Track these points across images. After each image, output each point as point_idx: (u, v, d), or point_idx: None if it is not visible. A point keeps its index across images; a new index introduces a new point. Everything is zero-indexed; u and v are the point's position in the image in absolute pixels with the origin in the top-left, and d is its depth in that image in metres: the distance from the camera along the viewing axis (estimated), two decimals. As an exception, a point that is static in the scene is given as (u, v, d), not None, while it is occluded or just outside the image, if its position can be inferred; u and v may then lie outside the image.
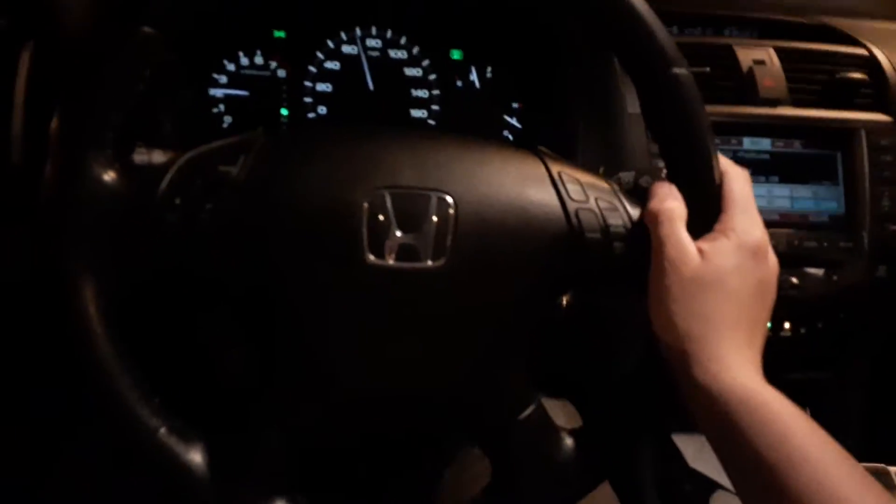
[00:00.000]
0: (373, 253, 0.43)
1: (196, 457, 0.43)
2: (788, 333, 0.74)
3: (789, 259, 0.71)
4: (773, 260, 0.45)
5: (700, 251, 0.43)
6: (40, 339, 0.53)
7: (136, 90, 0.42)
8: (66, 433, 0.71)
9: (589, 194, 0.46)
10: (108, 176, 0.42)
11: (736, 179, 0.45)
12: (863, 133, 0.75)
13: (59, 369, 0.43)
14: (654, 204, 0.44)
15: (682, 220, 0.43)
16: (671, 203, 0.44)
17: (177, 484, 0.43)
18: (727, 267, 0.42)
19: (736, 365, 0.40)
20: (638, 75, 0.44)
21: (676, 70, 0.43)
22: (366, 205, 0.43)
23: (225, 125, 0.78)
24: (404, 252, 0.43)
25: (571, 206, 0.45)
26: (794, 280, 0.72)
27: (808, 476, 0.35)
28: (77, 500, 0.70)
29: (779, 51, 0.76)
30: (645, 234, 0.44)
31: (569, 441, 0.49)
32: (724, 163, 0.46)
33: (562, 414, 0.75)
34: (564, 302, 0.54)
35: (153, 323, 0.60)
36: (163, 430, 0.42)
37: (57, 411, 0.69)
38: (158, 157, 0.45)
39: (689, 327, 0.41)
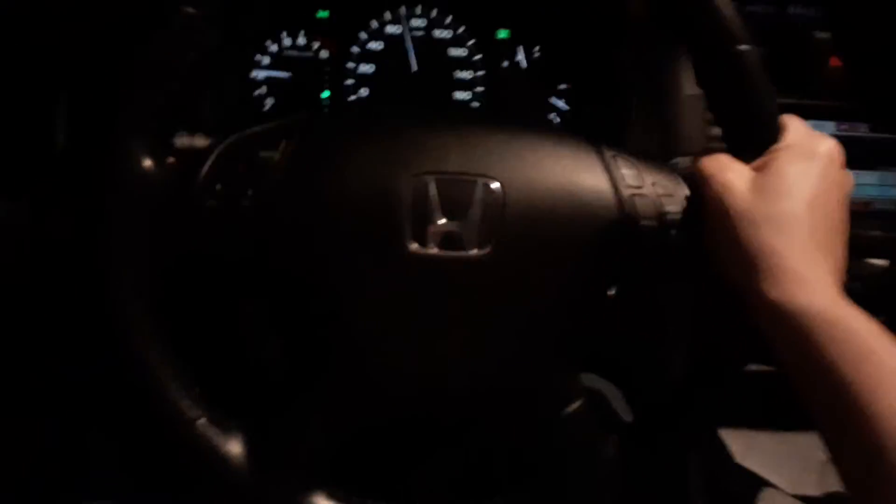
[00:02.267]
0: (415, 241, 0.42)
1: (235, 448, 0.43)
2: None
3: (851, 249, 0.68)
4: (845, 171, 0.43)
5: (756, 168, 0.41)
6: (76, 322, 0.54)
7: (179, 73, 0.41)
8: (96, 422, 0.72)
9: (645, 179, 0.44)
10: (150, 162, 0.41)
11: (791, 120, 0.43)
12: (935, 117, 0.71)
13: (95, 355, 0.43)
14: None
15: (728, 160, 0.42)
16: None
17: (214, 475, 0.43)
18: (789, 172, 0.40)
19: (814, 280, 0.37)
20: (701, 52, 0.42)
21: (742, 47, 0.41)
22: (409, 191, 0.42)
23: (266, 108, 0.78)
24: (448, 240, 0.42)
25: (625, 191, 0.43)
26: (856, 271, 0.69)
27: (893, 398, 0.33)
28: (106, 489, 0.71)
29: (844, 30, 0.72)
30: (701, 219, 0.42)
31: (614, 439, 0.47)
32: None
33: (614, 402, 0.74)
34: (613, 292, 0.52)
35: (193, 311, 0.60)
36: (202, 421, 0.42)
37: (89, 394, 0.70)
38: (200, 140, 0.45)
39: (757, 244, 0.38)
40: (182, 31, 0.41)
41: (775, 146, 0.41)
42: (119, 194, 0.41)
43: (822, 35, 0.71)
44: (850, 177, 0.43)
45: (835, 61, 0.71)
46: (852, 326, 0.35)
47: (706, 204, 0.42)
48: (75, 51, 0.62)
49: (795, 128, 0.43)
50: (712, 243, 0.42)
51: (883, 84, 0.72)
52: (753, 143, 0.42)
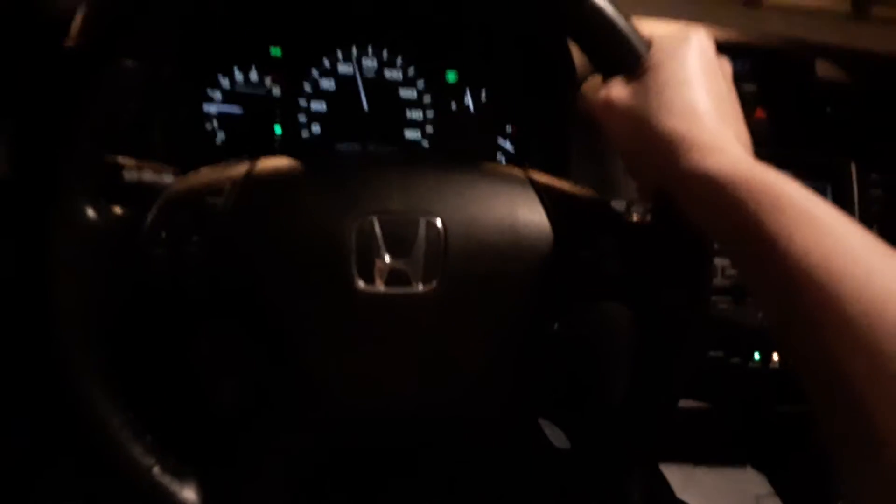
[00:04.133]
0: (362, 279, 0.42)
1: (191, 494, 0.43)
2: (777, 365, 0.74)
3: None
4: (721, 56, 0.44)
5: (635, 77, 0.42)
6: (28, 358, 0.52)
7: (119, 125, 0.41)
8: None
9: (579, 212, 0.46)
10: (93, 215, 0.41)
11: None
12: (853, 166, 0.75)
13: (47, 397, 0.43)
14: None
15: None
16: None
17: None
18: (667, 64, 0.41)
19: (720, 147, 0.38)
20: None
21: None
22: (354, 231, 0.43)
23: (218, 142, 0.78)
24: (394, 277, 0.43)
25: (561, 224, 0.45)
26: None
27: (805, 238, 0.33)
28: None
29: (767, 82, 0.77)
30: (638, 248, 0.44)
31: (559, 466, 0.48)
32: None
33: (552, 438, 0.75)
34: (555, 327, 0.54)
35: (146, 354, 0.59)
36: (156, 469, 0.42)
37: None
38: (149, 174, 0.45)
39: (658, 133, 0.40)
40: (121, 83, 0.41)
41: (647, 55, 0.43)
42: (63, 248, 0.41)
43: (749, 87, 0.75)
44: (726, 61, 0.45)
45: (760, 112, 0.75)
46: (765, 180, 0.36)
47: (605, 132, 0.44)
48: (21, 80, 0.61)
49: (661, 32, 0.44)
50: (628, 164, 0.44)
51: (805, 135, 0.76)
52: (624, 59, 0.43)
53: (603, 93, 0.43)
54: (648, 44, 0.43)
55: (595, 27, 0.43)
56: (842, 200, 0.75)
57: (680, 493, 0.82)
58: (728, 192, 0.36)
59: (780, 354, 0.73)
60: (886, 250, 0.32)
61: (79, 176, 0.41)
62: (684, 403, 0.47)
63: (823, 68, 0.79)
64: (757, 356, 0.72)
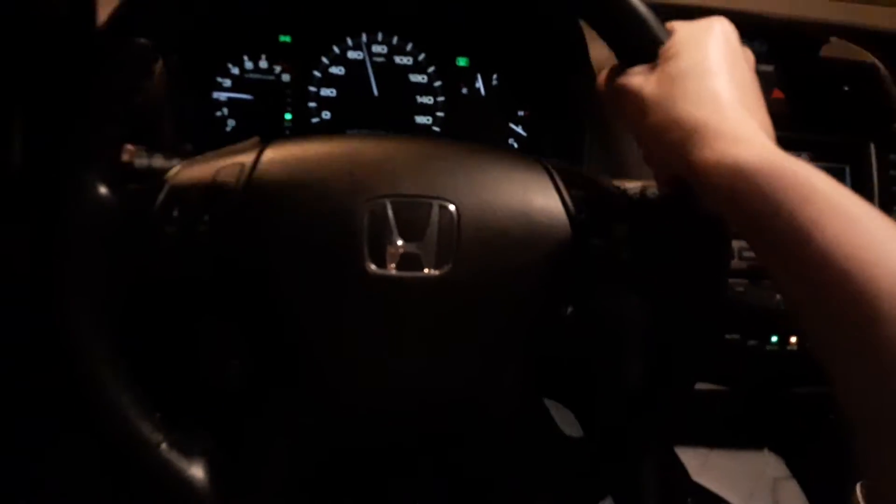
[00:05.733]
0: (374, 262, 0.42)
1: (198, 471, 0.43)
2: (794, 347, 0.73)
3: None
4: (744, 46, 0.43)
5: (655, 65, 0.42)
6: (38, 346, 0.53)
7: (133, 102, 0.41)
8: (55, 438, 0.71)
9: (593, 199, 0.45)
10: (105, 191, 0.41)
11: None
12: (872, 147, 0.74)
13: (55, 382, 0.43)
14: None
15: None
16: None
17: (180, 498, 0.42)
18: (689, 51, 0.40)
19: (746, 136, 0.37)
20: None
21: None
22: (366, 214, 0.42)
23: (228, 129, 0.78)
24: (406, 261, 0.43)
25: (575, 211, 0.44)
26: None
27: (835, 230, 0.32)
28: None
29: (787, 63, 0.76)
30: (651, 237, 0.44)
31: (572, 452, 0.48)
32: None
33: (563, 422, 0.75)
34: (569, 310, 0.54)
35: (153, 335, 0.59)
36: (164, 446, 0.42)
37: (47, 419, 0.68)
38: (159, 161, 0.45)
39: (681, 122, 0.39)
40: (134, 61, 0.41)
41: (668, 43, 0.42)
42: (73, 225, 0.41)
43: (766, 68, 0.74)
44: (749, 50, 0.44)
45: (777, 93, 0.74)
46: (793, 170, 0.35)
47: (624, 120, 0.43)
48: (31, 67, 0.62)
49: (682, 25, 0.43)
50: (646, 153, 0.43)
51: (823, 115, 0.75)
52: (645, 46, 0.43)
53: (623, 81, 0.42)
54: (670, 32, 0.42)
55: (616, 13, 0.42)
56: (860, 181, 0.74)
57: (696, 477, 0.82)
58: (754, 182, 0.35)
59: (800, 340, 0.72)
60: None
61: (91, 152, 0.41)
62: (701, 386, 0.47)
63: (840, 48, 0.78)
64: (774, 339, 0.72)
